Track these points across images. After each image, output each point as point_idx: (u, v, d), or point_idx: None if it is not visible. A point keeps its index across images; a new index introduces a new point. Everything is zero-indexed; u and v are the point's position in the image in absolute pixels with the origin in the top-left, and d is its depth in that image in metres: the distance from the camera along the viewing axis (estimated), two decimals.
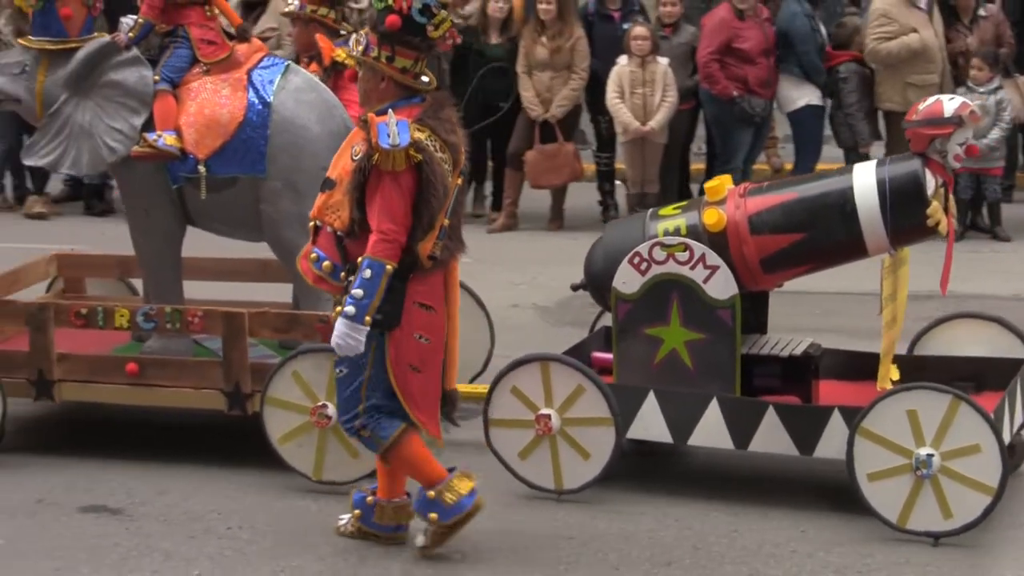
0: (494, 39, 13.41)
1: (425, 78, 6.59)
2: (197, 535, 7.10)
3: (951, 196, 7.36)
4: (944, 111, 7.15)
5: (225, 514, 7.31)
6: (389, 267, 6.32)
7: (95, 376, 7.97)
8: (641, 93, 13.02)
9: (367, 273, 6.30)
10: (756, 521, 7.20)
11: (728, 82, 13.04)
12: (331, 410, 7.25)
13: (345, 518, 7.06)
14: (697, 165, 14.42)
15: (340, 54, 8.52)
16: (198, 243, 8.67)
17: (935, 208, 7.16)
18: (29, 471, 7.94)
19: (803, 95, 13.32)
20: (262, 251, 8.48)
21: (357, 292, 6.30)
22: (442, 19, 6.46)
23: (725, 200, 7.50)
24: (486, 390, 7.57)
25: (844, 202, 7.26)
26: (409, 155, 6.29)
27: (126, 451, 8.15)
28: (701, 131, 14.15)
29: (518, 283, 8.18)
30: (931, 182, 7.19)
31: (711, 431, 7.35)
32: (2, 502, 7.54)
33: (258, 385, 7.62)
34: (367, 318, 6.32)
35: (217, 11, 8.30)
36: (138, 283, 8.93)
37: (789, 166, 14.15)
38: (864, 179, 7.27)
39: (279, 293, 8.74)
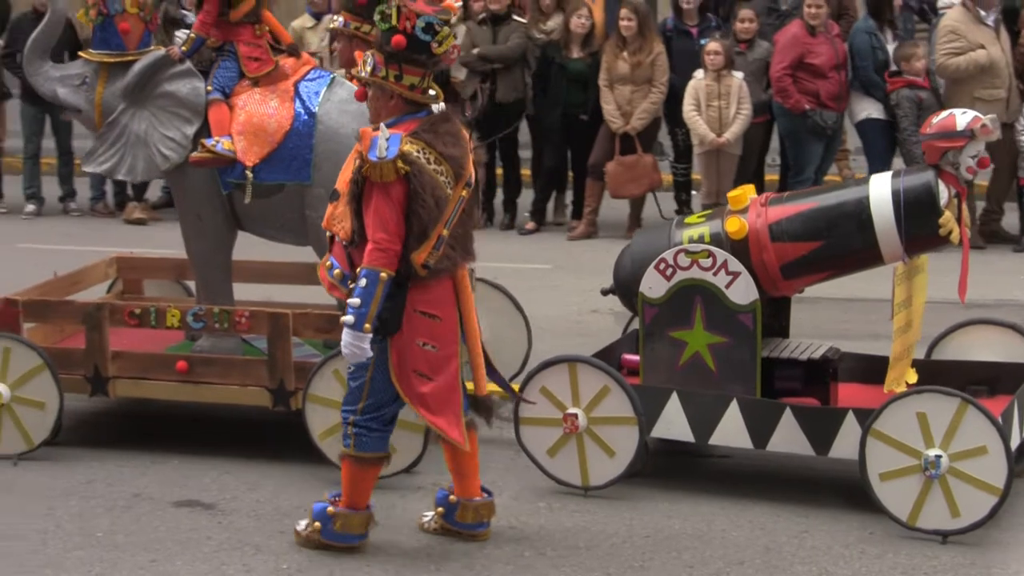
0: (576, 54, 13.69)
1: (432, 91, 6.83)
2: (287, 530, 7.31)
3: (964, 206, 7.62)
4: (957, 125, 7.42)
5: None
6: (383, 275, 6.59)
7: (147, 373, 8.36)
8: (716, 106, 13.26)
9: (362, 282, 6.60)
10: (826, 523, 7.46)
11: (800, 96, 13.31)
12: None
13: (428, 515, 7.37)
14: (771, 176, 14.63)
15: None
16: (249, 247, 9.05)
17: (947, 218, 7.43)
18: (127, 464, 8.28)
19: (864, 108, 13.52)
20: (308, 255, 8.83)
21: (355, 301, 6.61)
22: (445, 35, 6.71)
23: (747, 209, 7.80)
24: (517, 389, 7.89)
25: (860, 211, 7.55)
26: (397, 167, 6.55)
27: (218, 447, 8.45)
28: (775, 143, 14.41)
29: (597, 289, 8.49)
30: (944, 193, 7.46)
31: (731, 431, 7.65)
32: (101, 495, 7.89)
33: (301, 383, 7.99)
34: (366, 325, 6.59)
35: (267, 28, 8.63)
36: (193, 285, 9.31)
37: (860, 176, 14.33)
38: (880, 189, 7.55)
39: (323, 295, 9.07)
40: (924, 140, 7.55)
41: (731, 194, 7.97)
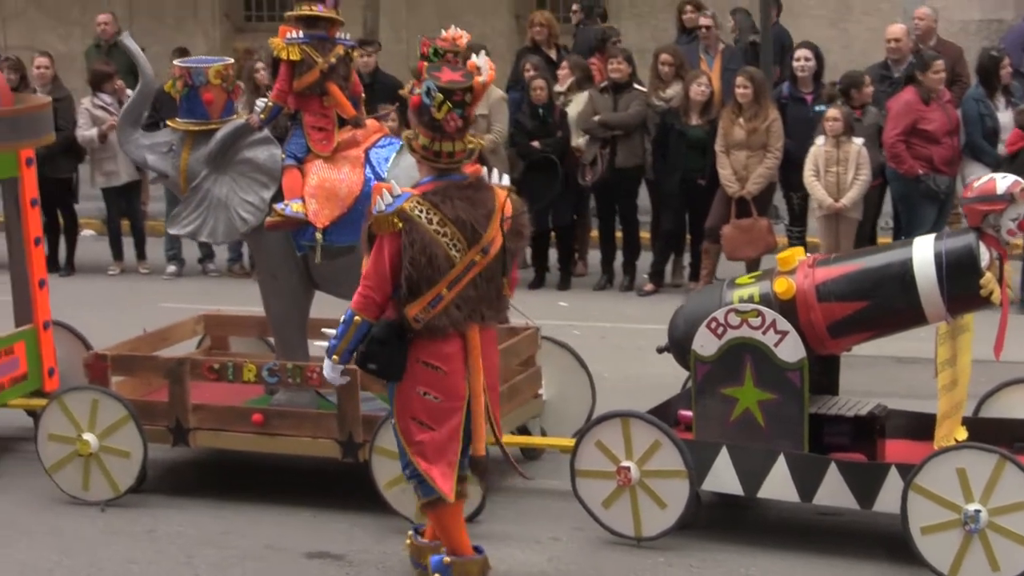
0: (694, 120, 13.91)
1: (447, 157, 7.14)
2: None
3: (1007, 267, 7.84)
4: (997, 189, 7.66)
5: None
6: (357, 319, 7.10)
7: (225, 425, 8.80)
8: (835, 171, 13.39)
9: (343, 318, 7.19)
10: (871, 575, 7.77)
11: (914, 161, 13.55)
12: None
13: None
14: (884, 239, 14.70)
15: None
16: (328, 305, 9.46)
17: (988, 279, 7.66)
18: (262, 517, 8.66)
19: (975, 172, 13.60)
20: None
21: (330, 332, 7.25)
22: (440, 102, 7.04)
23: (795, 270, 8.08)
24: (571, 443, 8.22)
25: (904, 272, 7.81)
26: (392, 221, 6.97)
27: (348, 500, 8.74)
28: (887, 206, 14.55)
29: None
30: (985, 255, 7.69)
31: (778, 484, 7.92)
32: (236, 545, 8.28)
33: (369, 435, 8.37)
34: (334, 356, 7.21)
35: (334, 101, 8.98)
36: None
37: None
38: (923, 251, 7.80)
39: None
40: (965, 203, 7.81)
41: (780, 256, 8.25)
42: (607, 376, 10.23)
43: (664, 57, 14.55)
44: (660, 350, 8.59)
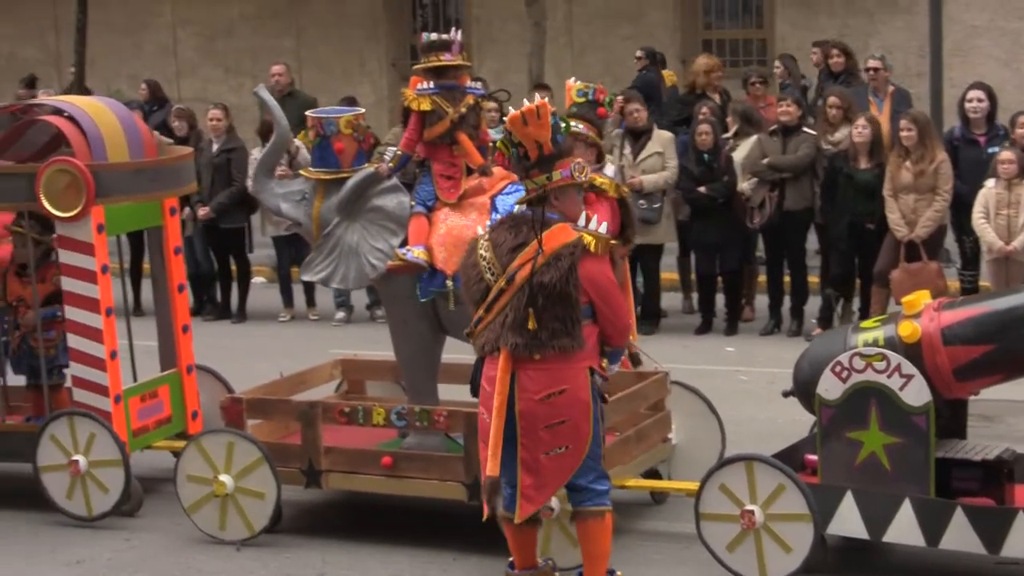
0: (863, 164, 13.74)
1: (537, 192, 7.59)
2: None
3: None
4: None
5: None
6: None
7: (356, 468, 8.97)
8: (1006, 214, 13.16)
9: None
10: None
11: None
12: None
13: None
14: None
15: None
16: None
17: None
18: (434, 560, 8.77)
19: None
20: None
21: None
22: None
23: (921, 314, 8.04)
24: (696, 487, 8.25)
25: None
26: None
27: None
28: None
29: None
30: None
31: (904, 529, 7.87)
32: None
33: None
34: None
35: (463, 151, 9.17)
36: None
37: None
38: None
39: None
40: None
41: (905, 299, 8.21)
42: (780, 420, 10.28)
43: (832, 100, 14.46)
44: (786, 394, 8.59)
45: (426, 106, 9.09)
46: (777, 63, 17.45)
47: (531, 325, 7.41)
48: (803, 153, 14.16)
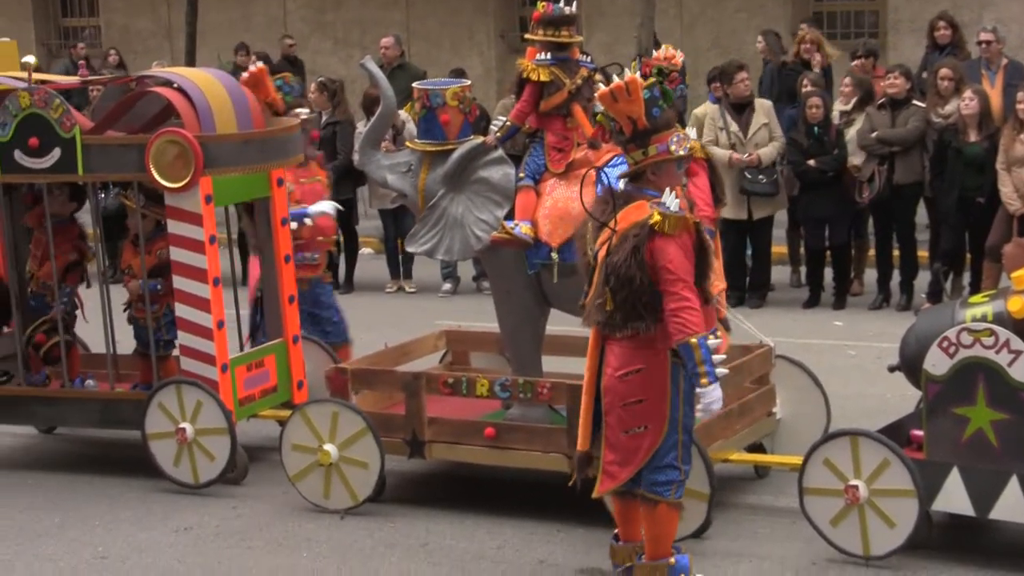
0: (972, 137, 13.57)
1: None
2: None
3: None
4: None
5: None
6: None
7: (459, 438, 9.01)
8: None
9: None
10: None
11: None
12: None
13: None
14: None
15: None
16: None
17: None
18: (536, 531, 8.78)
19: None
20: None
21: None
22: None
23: None
24: (800, 461, 8.20)
25: None
26: None
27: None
28: None
29: None
30: None
31: (1011, 506, 7.77)
32: (510, 560, 8.41)
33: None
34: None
35: (577, 123, 9.15)
36: None
37: None
38: None
39: None
40: None
41: (1015, 274, 8.09)
42: (888, 396, 10.24)
43: (943, 72, 14.19)
44: (892, 369, 8.51)
45: (545, 77, 9.07)
46: (760, 38, 17.21)
47: (608, 306, 7.43)
48: (912, 126, 13.99)
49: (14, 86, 10.11)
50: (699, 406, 7.36)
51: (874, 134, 14.09)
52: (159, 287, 10.03)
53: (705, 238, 7.38)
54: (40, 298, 10.60)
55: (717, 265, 7.75)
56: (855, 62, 15.53)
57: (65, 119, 9.76)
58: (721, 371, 7.30)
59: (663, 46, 7.88)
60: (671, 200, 7.32)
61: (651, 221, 7.29)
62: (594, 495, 7.77)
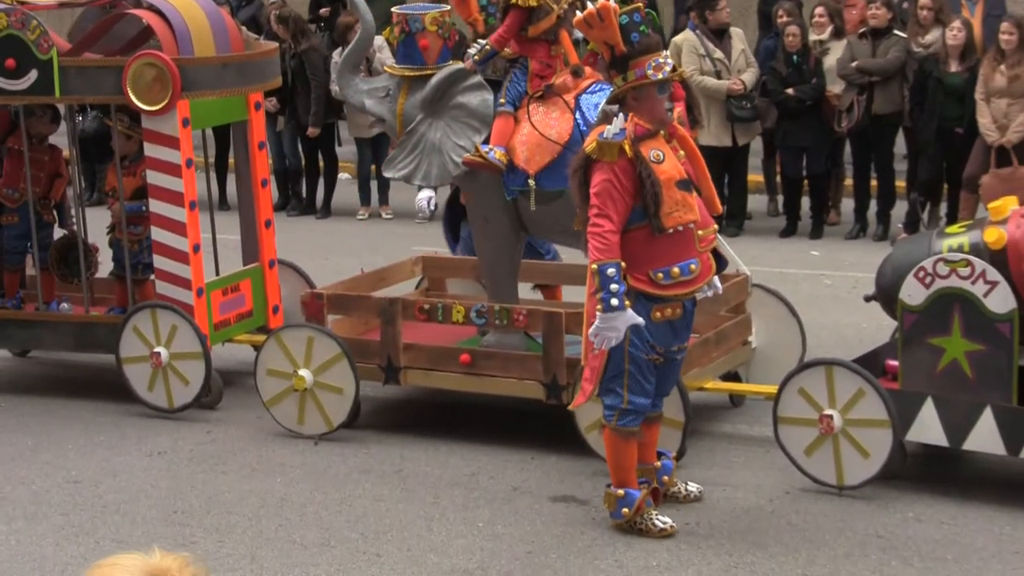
0: (954, 67, 13.55)
1: None
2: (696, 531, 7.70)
3: None
4: None
5: (683, 511, 7.87)
6: None
7: (435, 365, 9.00)
8: None
9: None
10: None
11: None
12: None
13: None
14: None
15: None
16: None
17: None
18: (511, 459, 8.76)
19: None
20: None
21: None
22: None
23: (1008, 220, 7.91)
24: (775, 390, 8.21)
25: None
26: None
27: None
28: None
29: None
30: None
31: (985, 437, 7.78)
32: (484, 487, 8.40)
33: (572, 378, 8.47)
34: None
35: (562, 49, 9.09)
36: None
37: None
38: None
39: None
40: None
41: (991, 205, 8.08)
42: (864, 326, 10.19)
43: (923, 2, 14.17)
44: (867, 298, 8.51)
45: (534, 2, 8.99)
46: None
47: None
48: (892, 56, 13.96)
49: None
50: (590, 331, 7.35)
51: (854, 63, 14.04)
52: (144, 208, 9.97)
53: (647, 166, 7.31)
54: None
55: (707, 194, 7.67)
56: None
57: (43, 40, 9.68)
58: (615, 302, 7.23)
59: None
60: (614, 127, 7.33)
61: (587, 148, 7.39)
62: (570, 407, 7.93)
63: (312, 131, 16.01)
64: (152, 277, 10.13)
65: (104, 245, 10.63)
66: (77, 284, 10.47)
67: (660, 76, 7.39)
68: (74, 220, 10.82)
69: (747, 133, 14.57)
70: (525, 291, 9.59)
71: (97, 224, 10.59)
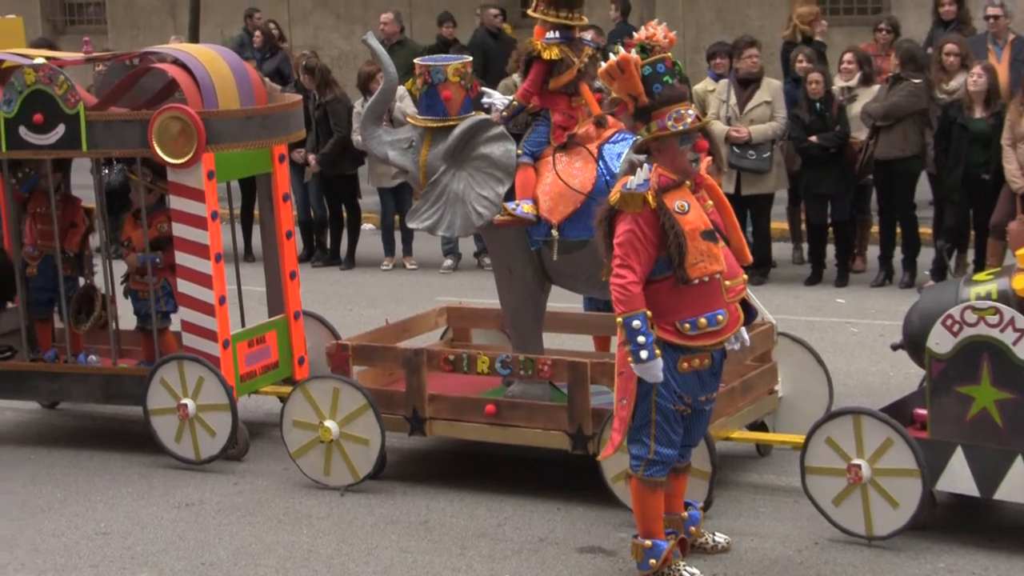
0: (978, 113, 13.41)
1: None
2: None
3: None
4: None
5: (711, 561, 7.88)
6: None
7: (460, 415, 8.99)
8: None
9: None
10: None
11: None
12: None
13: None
14: None
15: None
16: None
17: None
18: (536, 509, 8.76)
19: None
20: None
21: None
22: None
23: None
24: (802, 440, 8.17)
25: None
26: None
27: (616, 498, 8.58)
28: None
29: None
30: None
31: (1016, 486, 7.72)
32: (510, 538, 8.41)
33: (598, 428, 8.44)
34: None
35: (583, 101, 9.12)
36: None
37: None
38: None
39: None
40: None
41: (1019, 252, 8.05)
42: (891, 374, 10.19)
43: (949, 48, 14.01)
44: (895, 347, 8.48)
45: (556, 55, 9.00)
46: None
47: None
48: (890, 102, 13.85)
49: (20, 63, 10.10)
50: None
51: (861, 106, 14.03)
52: (159, 260, 10.02)
53: (671, 217, 7.30)
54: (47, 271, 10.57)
55: (737, 244, 7.66)
56: (877, 35, 15.49)
57: (70, 95, 9.74)
58: (644, 354, 7.23)
59: (647, 24, 7.79)
60: (637, 177, 7.34)
61: (611, 200, 7.39)
62: (598, 458, 7.95)
63: (314, 166, 15.98)
64: (172, 328, 10.15)
65: (119, 295, 10.66)
66: (84, 332, 10.52)
67: (680, 128, 7.38)
68: (94, 270, 10.85)
69: (755, 183, 14.33)
70: (550, 340, 9.56)
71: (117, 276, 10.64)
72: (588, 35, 9.50)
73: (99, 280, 10.80)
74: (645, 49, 7.51)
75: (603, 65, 7.57)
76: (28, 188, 10.69)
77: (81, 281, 10.81)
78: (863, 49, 15.05)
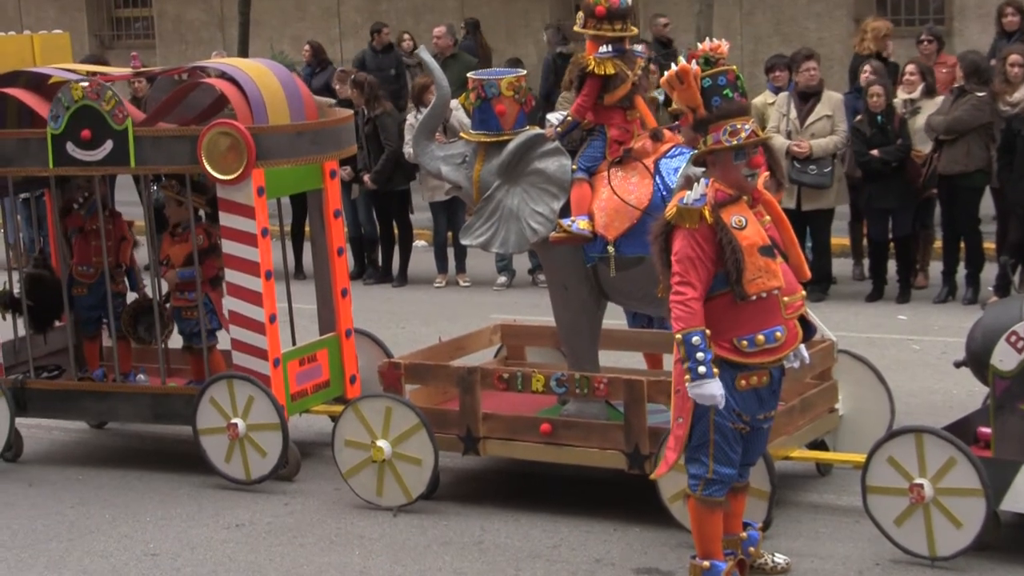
0: None
1: None
2: None
3: None
4: None
5: None
6: None
7: (515, 434, 8.86)
8: None
9: None
10: None
11: None
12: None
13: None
14: None
15: None
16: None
17: None
18: (592, 530, 8.62)
19: None
20: None
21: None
22: None
23: None
24: (863, 459, 8.00)
25: None
26: None
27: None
28: None
29: None
30: None
31: None
32: (565, 559, 8.29)
33: (655, 447, 8.30)
34: None
35: (638, 115, 9.01)
36: None
37: None
38: None
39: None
40: None
41: None
42: (954, 392, 10.05)
43: (1013, 58, 13.69)
44: (958, 364, 8.32)
45: (611, 70, 8.88)
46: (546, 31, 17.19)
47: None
48: (953, 116, 13.65)
49: (67, 78, 10.05)
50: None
51: (923, 120, 13.83)
52: (195, 274, 9.99)
53: (728, 232, 7.17)
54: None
55: (795, 260, 7.50)
56: (920, 47, 15.29)
57: (118, 111, 9.69)
58: (703, 370, 7.11)
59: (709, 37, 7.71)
60: (694, 192, 7.23)
61: (667, 215, 7.28)
62: (652, 476, 7.84)
63: (369, 184, 15.90)
64: (218, 346, 10.09)
65: None
66: (153, 346, 10.46)
67: (734, 142, 7.23)
68: (146, 284, 10.81)
69: (815, 198, 14.13)
70: (603, 358, 9.42)
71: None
72: (639, 47, 9.39)
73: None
74: (709, 61, 7.40)
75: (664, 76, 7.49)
76: (90, 212, 10.64)
77: (129, 296, 10.76)
78: (924, 59, 14.84)
